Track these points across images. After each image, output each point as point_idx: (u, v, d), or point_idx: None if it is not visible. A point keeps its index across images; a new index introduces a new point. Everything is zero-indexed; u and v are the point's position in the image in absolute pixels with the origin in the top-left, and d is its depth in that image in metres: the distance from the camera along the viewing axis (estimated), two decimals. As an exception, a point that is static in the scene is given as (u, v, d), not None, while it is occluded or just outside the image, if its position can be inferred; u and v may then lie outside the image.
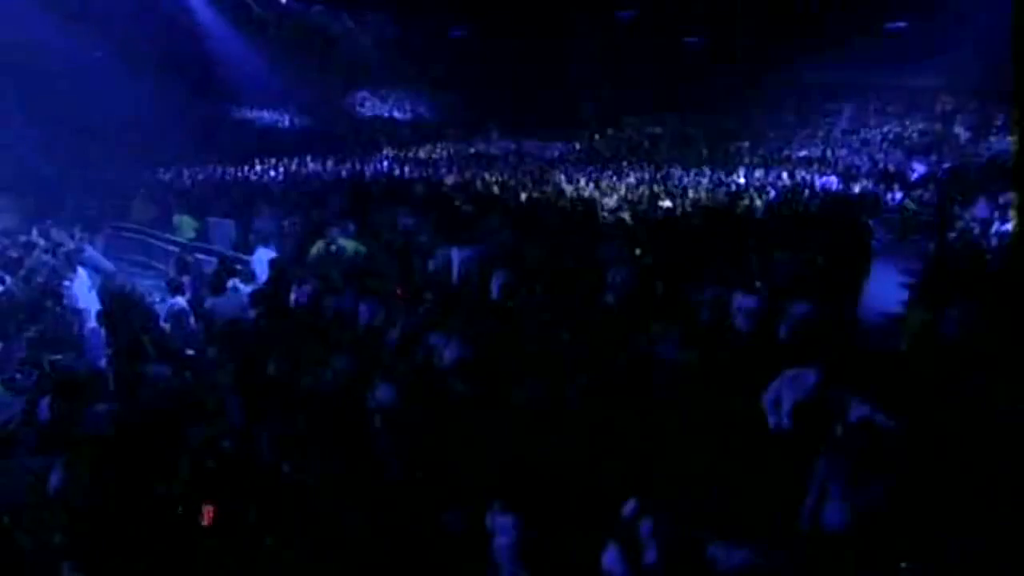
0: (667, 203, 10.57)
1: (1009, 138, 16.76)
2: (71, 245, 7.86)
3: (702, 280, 6.20)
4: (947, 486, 3.29)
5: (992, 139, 17.00)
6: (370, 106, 28.13)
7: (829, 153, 17.93)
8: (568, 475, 3.36)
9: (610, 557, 3.08)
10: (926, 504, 3.20)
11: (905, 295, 5.80)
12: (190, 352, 6.12)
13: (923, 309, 5.02)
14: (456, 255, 7.36)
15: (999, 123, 17.79)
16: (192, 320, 6.31)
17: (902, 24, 20.82)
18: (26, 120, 14.60)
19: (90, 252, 7.75)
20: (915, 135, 19.31)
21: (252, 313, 5.95)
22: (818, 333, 4.97)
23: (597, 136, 25.12)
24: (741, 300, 5.62)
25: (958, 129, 18.73)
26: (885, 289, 5.89)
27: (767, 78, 23.80)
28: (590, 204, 10.31)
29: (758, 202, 10.39)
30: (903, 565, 2.82)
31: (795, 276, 6.30)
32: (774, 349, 4.87)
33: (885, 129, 20.67)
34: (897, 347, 4.90)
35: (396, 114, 28.56)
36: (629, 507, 3.22)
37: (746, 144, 21.09)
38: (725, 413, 3.98)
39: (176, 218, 11.12)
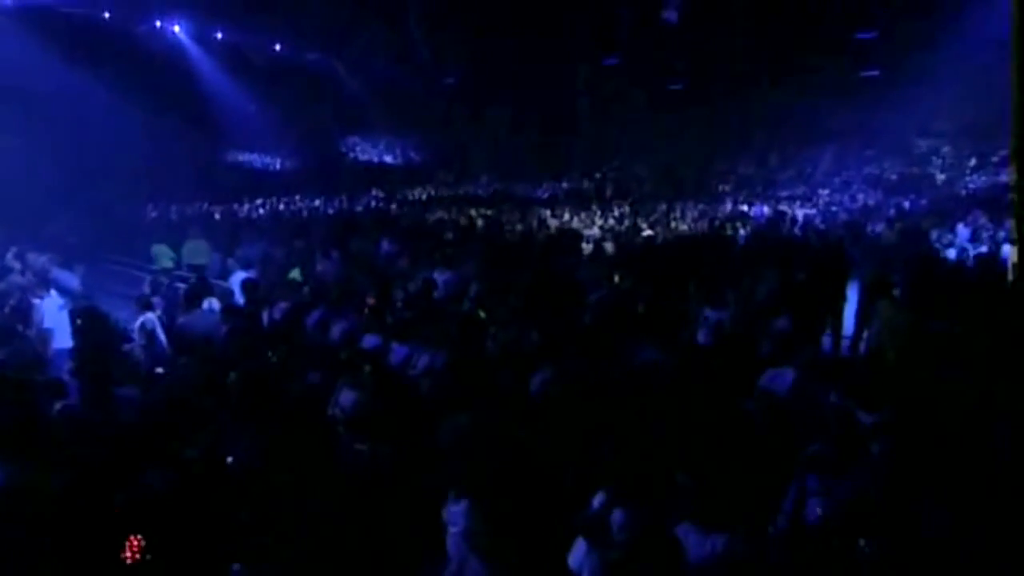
0: (649, 232, 10.65)
1: (983, 177, 17.26)
2: (41, 265, 7.78)
3: (682, 298, 6.22)
4: (924, 481, 3.20)
5: (967, 178, 17.44)
6: (360, 150, 28.59)
7: (811, 193, 18.31)
8: (532, 470, 3.23)
9: (578, 553, 2.94)
10: (903, 498, 3.11)
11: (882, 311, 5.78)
12: (159, 370, 5.96)
13: (909, 315, 5.07)
14: (437, 277, 7.36)
15: (972, 164, 18.33)
16: (163, 337, 6.17)
17: (875, 72, 21.65)
18: (21, 149, 14.77)
19: (57, 273, 7.64)
20: (893, 176, 19.79)
21: (224, 329, 5.83)
22: (796, 342, 4.95)
23: (586, 182, 25.58)
24: (718, 314, 5.64)
25: (933, 170, 19.24)
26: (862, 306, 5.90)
27: (751, 123, 24.51)
28: (574, 234, 10.37)
29: (742, 231, 10.49)
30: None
31: (777, 292, 6.32)
32: (752, 357, 4.85)
33: (865, 171, 21.19)
34: (877, 353, 4.88)
35: (386, 158, 29.02)
36: (598, 499, 3.09)
37: (730, 187, 21.54)
38: (701, 414, 3.90)
39: (155, 248, 11.12)
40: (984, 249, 7.76)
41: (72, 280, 7.69)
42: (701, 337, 5.56)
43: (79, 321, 6.08)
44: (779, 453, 3.39)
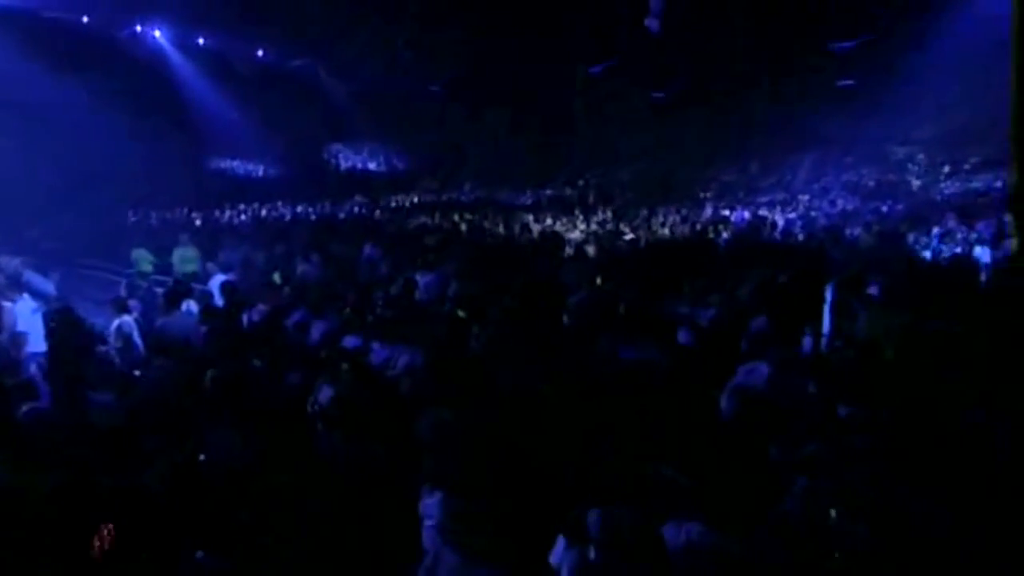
0: (630, 235, 10.72)
1: (957, 183, 17.63)
2: (13, 268, 7.64)
3: (663, 298, 6.27)
4: (911, 475, 3.23)
5: (942, 185, 17.81)
6: (344, 157, 28.48)
7: (791, 199, 18.62)
8: (510, 465, 3.23)
9: (558, 550, 2.93)
10: (889, 492, 3.14)
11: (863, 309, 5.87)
12: (136, 373, 5.87)
13: (895, 313, 5.18)
14: (419, 279, 7.34)
15: (947, 171, 18.75)
16: (139, 340, 6.08)
17: (850, 82, 22.14)
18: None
19: (31, 276, 7.50)
20: (871, 183, 20.15)
21: (203, 330, 5.77)
22: (773, 340, 5.01)
23: (569, 189, 25.70)
24: (700, 313, 5.70)
25: (909, 177, 19.62)
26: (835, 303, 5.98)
27: (732, 131, 24.85)
28: (556, 237, 10.41)
29: (725, 234, 10.60)
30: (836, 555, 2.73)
31: (756, 292, 6.39)
32: (731, 353, 4.90)
33: (843, 178, 21.56)
34: (863, 349, 4.95)
35: (370, 165, 28.94)
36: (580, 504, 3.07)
37: (711, 193, 21.80)
38: (680, 411, 3.92)
39: (134, 252, 10.96)
40: (958, 250, 7.96)
41: (46, 284, 7.56)
42: (682, 337, 5.59)
43: (52, 323, 5.96)
44: (755, 445, 3.42)
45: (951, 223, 9.15)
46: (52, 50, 17.47)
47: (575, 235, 11.23)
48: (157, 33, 21.42)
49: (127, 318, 6.09)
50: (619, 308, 6.30)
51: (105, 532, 2.42)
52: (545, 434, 3.49)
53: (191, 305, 6.71)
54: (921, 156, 20.69)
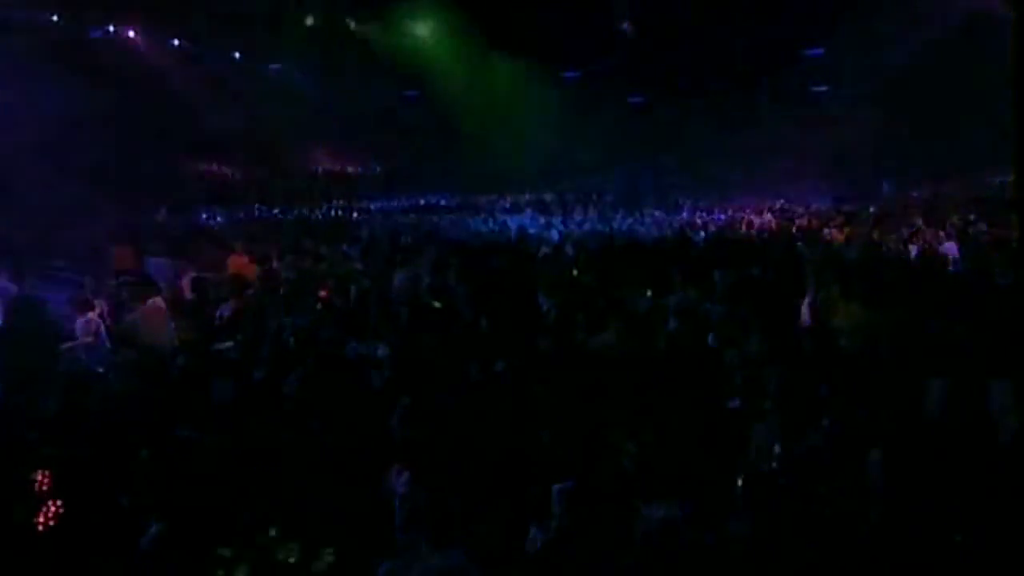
0: (608, 234, 10.75)
1: (926, 187, 18.08)
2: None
3: (639, 291, 6.29)
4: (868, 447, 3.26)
5: (910, 189, 18.24)
6: (323, 161, 28.29)
7: (767, 201, 18.94)
8: (483, 448, 3.19)
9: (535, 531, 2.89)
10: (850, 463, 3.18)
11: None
12: (100, 370, 5.72)
13: (871, 305, 5.28)
14: (395, 277, 7.29)
15: (916, 177, 19.25)
16: (105, 336, 5.92)
17: (823, 88, 22.64)
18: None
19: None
20: (841, 185, 20.56)
21: (171, 325, 5.65)
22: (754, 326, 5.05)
23: (548, 194, 25.77)
24: (674, 302, 5.73)
25: (880, 180, 20.07)
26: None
27: (709, 137, 25.12)
28: (534, 236, 10.41)
29: (703, 233, 10.70)
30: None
31: (732, 286, 6.44)
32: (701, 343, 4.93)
33: (816, 181, 21.91)
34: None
35: (348, 170, 28.77)
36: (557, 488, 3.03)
37: (688, 196, 22.06)
38: (653, 393, 3.92)
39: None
40: (925, 246, 8.16)
41: (8, 284, 7.31)
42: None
43: (12, 313, 5.77)
44: (738, 427, 3.44)
45: (919, 222, 9.43)
46: (21, 49, 17.06)
47: (552, 235, 11.25)
48: (131, 34, 21.08)
49: (91, 315, 5.93)
50: (594, 299, 6.31)
51: (52, 507, 2.31)
52: (515, 417, 3.45)
53: (157, 301, 6.55)
54: (891, 161, 21.14)
